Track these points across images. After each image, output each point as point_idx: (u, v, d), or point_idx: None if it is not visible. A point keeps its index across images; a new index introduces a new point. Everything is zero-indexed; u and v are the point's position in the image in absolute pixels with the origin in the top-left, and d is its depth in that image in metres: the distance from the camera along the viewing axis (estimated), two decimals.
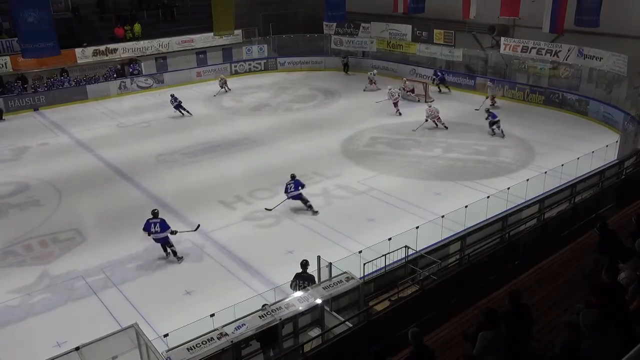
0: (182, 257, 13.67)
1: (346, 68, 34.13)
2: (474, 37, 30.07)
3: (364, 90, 29.47)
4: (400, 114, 24.55)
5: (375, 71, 30.32)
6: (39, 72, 28.83)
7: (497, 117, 21.95)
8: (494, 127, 21.67)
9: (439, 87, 28.81)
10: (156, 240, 13.53)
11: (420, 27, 31.78)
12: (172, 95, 25.98)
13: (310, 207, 15.78)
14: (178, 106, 25.69)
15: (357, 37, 34.66)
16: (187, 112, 25.87)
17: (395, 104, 24.90)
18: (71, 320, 11.49)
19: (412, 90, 27.16)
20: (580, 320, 5.76)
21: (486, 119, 22.02)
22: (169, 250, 13.66)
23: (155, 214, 13.62)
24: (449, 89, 28.95)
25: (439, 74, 29.13)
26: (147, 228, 13.43)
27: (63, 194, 17.74)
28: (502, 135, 21.49)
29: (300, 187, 15.78)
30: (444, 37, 30.57)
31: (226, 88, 30.16)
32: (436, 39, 30.91)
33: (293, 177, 16.04)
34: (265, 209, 15.98)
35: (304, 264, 10.95)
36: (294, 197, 15.82)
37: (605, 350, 5.54)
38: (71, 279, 12.93)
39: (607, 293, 6.44)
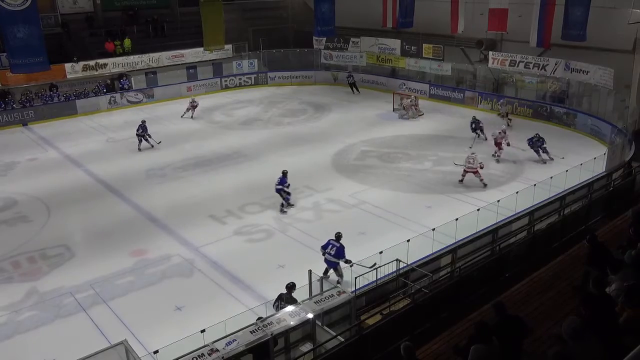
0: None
1: (354, 88, 32.64)
2: (462, 52, 30.38)
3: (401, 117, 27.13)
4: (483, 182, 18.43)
5: (414, 96, 28.02)
6: (28, 87, 28.70)
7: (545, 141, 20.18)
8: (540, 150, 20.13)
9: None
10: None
11: (409, 42, 32.08)
12: (143, 122, 23.48)
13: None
14: (142, 135, 23.13)
15: (347, 52, 34.91)
16: (150, 141, 23.30)
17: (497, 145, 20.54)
18: (60, 338, 11.34)
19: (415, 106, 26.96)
20: (562, 329, 5.80)
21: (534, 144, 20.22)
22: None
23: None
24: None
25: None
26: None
27: (52, 209, 17.60)
28: (549, 158, 20.11)
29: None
30: (432, 51, 30.89)
31: (192, 113, 28.07)
32: (425, 53, 31.21)
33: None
34: None
35: (290, 287, 10.65)
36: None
37: (589, 359, 5.57)
38: (60, 295, 12.79)
39: (598, 304, 6.46)
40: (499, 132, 20.53)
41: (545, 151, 20.11)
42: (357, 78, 33.89)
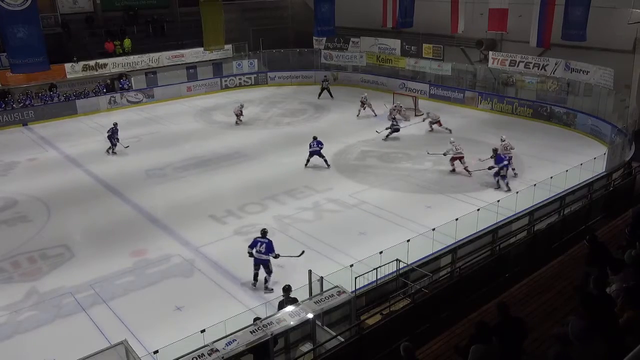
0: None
1: (328, 92, 30.81)
2: (462, 52, 30.38)
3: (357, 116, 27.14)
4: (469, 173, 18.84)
5: (366, 94, 27.89)
6: (28, 87, 28.69)
7: (504, 159, 17.67)
8: (498, 177, 17.67)
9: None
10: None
11: (409, 42, 32.09)
12: (114, 125, 22.76)
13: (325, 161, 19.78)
14: (111, 137, 22.41)
15: (347, 52, 34.92)
16: (113, 147, 22.43)
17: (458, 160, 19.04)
18: (59, 338, 11.34)
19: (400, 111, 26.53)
20: (569, 330, 5.79)
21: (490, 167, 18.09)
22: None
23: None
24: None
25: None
26: None
27: (52, 209, 17.59)
28: (507, 189, 17.31)
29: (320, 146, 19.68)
30: (432, 51, 30.91)
31: (239, 120, 26.77)
32: (425, 54, 31.23)
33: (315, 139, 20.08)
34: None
35: (286, 289, 10.61)
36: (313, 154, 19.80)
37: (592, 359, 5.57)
38: (59, 295, 12.78)
39: (597, 304, 6.46)
40: (507, 145, 18.81)
41: (504, 179, 17.55)
42: (357, 78, 33.91)
